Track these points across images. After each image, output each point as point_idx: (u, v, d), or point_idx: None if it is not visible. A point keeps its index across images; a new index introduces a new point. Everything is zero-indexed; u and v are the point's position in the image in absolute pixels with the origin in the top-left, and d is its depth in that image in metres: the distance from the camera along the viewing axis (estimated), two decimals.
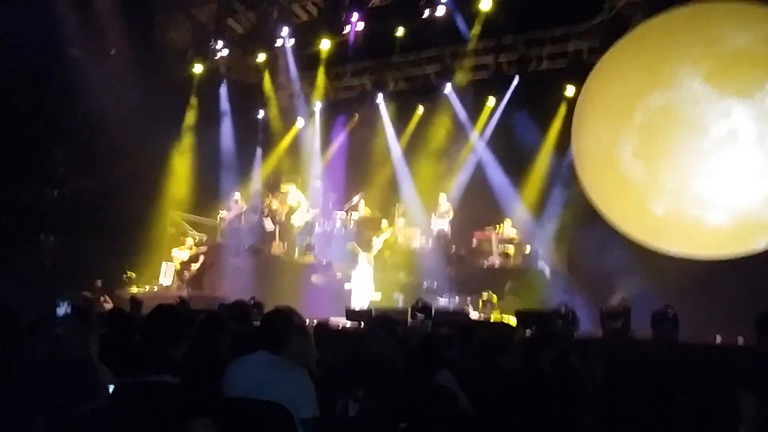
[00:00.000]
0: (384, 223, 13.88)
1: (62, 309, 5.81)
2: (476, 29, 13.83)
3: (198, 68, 14.72)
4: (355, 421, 3.59)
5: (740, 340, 7.22)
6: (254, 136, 16.30)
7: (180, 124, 14.60)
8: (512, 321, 8.94)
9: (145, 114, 12.57)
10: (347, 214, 14.63)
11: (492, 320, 9.86)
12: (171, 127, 14.22)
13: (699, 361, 5.95)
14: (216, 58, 15.11)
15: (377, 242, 13.52)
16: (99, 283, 11.89)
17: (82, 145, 12.64)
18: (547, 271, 12.07)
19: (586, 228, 11.84)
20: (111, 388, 3.63)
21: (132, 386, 3.08)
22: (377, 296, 11.93)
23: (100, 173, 12.79)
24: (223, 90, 15.51)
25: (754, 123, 10.72)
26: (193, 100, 14.86)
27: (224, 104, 15.48)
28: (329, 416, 3.45)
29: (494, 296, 10.77)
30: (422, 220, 14.23)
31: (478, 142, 14.59)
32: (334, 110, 16.57)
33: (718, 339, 7.56)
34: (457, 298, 11.56)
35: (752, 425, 2.24)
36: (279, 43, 15.11)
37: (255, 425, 3.13)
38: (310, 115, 16.36)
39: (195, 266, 13.25)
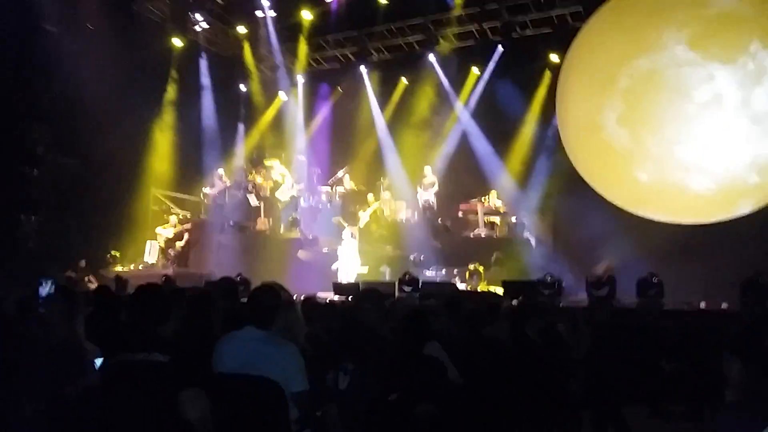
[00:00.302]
0: (370, 196, 13.85)
1: (45, 289, 5.77)
2: None
3: (177, 42, 14.45)
4: (346, 394, 3.60)
5: (724, 305, 7.33)
6: (236, 111, 16.11)
7: (160, 99, 14.36)
8: (499, 291, 9.01)
9: (125, 90, 12.33)
10: (332, 189, 14.57)
11: (479, 291, 9.91)
12: (151, 103, 13.98)
13: (684, 327, 6.02)
14: (195, 30, 14.85)
15: (364, 216, 13.50)
16: (83, 263, 11.79)
17: (62, 123, 12.40)
18: (533, 241, 12.14)
19: (570, 197, 11.90)
20: (98, 364, 3.61)
21: (121, 366, 3.06)
22: (364, 270, 11.95)
23: (80, 151, 12.57)
24: (203, 63, 15.25)
25: (737, 87, 10.73)
26: (173, 75, 14.60)
27: (205, 78, 15.23)
28: (319, 389, 3.46)
29: (481, 267, 10.83)
30: (408, 193, 14.20)
31: (462, 112, 14.52)
32: (316, 82, 16.40)
33: (703, 304, 7.67)
34: (443, 269, 11.61)
35: (738, 389, 2.26)
36: (259, 14, 14.87)
37: (246, 400, 3.12)
38: (293, 87, 16.17)
39: (180, 244, 13.18)
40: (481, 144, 13.98)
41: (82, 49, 12.15)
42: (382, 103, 15.39)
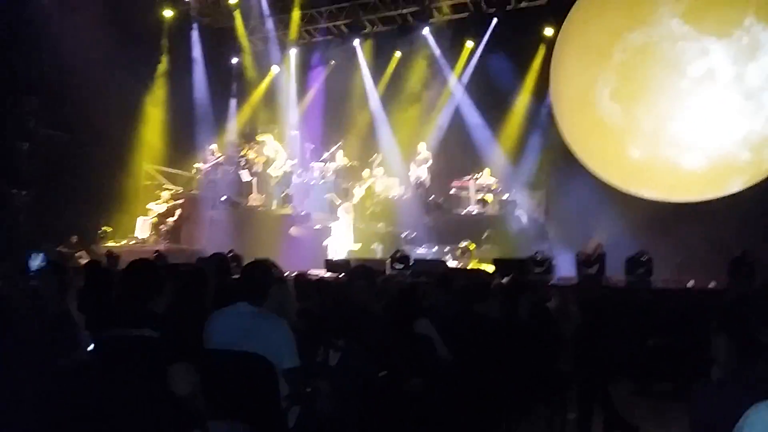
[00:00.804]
0: (366, 172, 13.80)
1: (36, 262, 5.74)
2: None
3: (168, 13, 14.23)
4: (336, 370, 3.63)
5: (712, 283, 7.36)
6: (228, 85, 15.94)
7: (151, 71, 14.17)
8: (490, 269, 9.03)
9: (116, 62, 12.16)
10: (325, 164, 14.50)
11: (470, 268, 9.94)
12: (143, 75, 13.80)
13: (672, 306, 6.06)
14: (186, 1, 14.62)
15: (359, 191, 13.45)
16: (74, 238, 11.74)
17: (52, 96, 12.25)
18: (525, 219, 12.16)
19: (563, 173, 11.90)
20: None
21: (112, 341, 3.07)
22: (356, 247, 11.95)
23: (71, 125, 12.45)
24: (195, 35, 15.04)
25: (731, 62, 10.68)
26: (165, 47, 14.41)
27: (196, 51, 15.02)
28: (310, 366, 3.48)
29: (472, 245, 10.84)
30: (401, 169, 14.14)
31: (456, 86, 14.41)
32: (309, 55, 16.21)
33: (691, 283, 7.71)
34: (435, 247, 11.62)
35: (725, 367, 2.29)
36: None
37: (237, 376, 3.15)
38: (285, 60, 15.99)
39: (172, 219, 13.09)
40: (474, 119, 13.88)
41: (72, 20, 11.94)
42: (376, 76, 15.21)
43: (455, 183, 13.37)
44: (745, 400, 1.71)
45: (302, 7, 15.08)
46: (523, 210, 12.31)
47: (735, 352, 2.24)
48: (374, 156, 14.20)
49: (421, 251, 11.38)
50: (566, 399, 4.65)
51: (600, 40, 11.73)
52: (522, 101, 13.48)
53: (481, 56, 14.15)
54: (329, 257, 10.81)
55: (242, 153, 14.49)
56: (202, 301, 3.92)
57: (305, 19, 15.56)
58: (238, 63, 16.00)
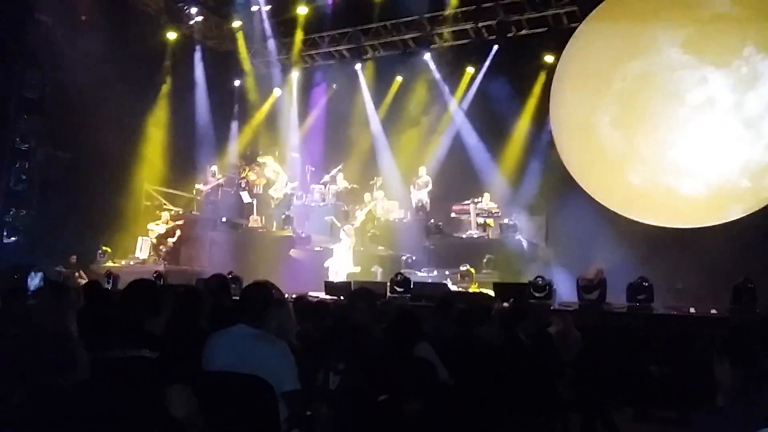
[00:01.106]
0: (367, 195, 13.82)
1: (34, 281, 5.73)
2: None
3: (171, 35, 14.37)
4: (336, 394, 3.59)
5: (713, 310, 7.34)
6: (230, 107, 16.04)
7: (154, 92, 14.27)
8: (490, 293, 9.00)
9: (118, 83, 12.25)
10: (326, 187, 14.51)
11: (471, 292, 9.90)
12: (145, 97, 13.89)
13: (674, 332, 6.03)
14: (190, 24, 14.77)
15: (360, 215, 13.45)
16: (74, 258, 11.70)
17: (53, 116, 12.33)
18: (525, 243, 12.13)
19: (563, 198, 11.91)
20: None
21: (111, 362, 3.04)
22: (356, 269, 11.91)
23: (72, 145, 12.50)
24: (198, 57, 15.16)
25: (730, 91, 10.78)
26: (167, 68, 14.53)
27: (199, 73, 15.14)
28: (310, 389, 3.45)
29: (472, 269, 10.80)
30: (401, 193, 14.15)
31: (456, 111, 14.48)
32: (311, 79, 16.34)
33: (692, 309, 7.69)
34: (435, 271, 11.58)
35: (729, 393, 2.27)
36: (254, 8, 14.81)
37: (236, 399, 3.11)
38: (287, 83, 16.10)
39: (172, 240, 13.09)
40: (474, 144, 13.93)
41: (75, 41, 12.06)
42: (377, 100, 15.31)
43: (456, 207, 13.35)
44: (750, 427, 1.69)
45: (305, 32, 15.24)
46: (524, 234, 12.29)
47: (739, 378, 2.22)
48: (374, 179, 14.22)
49: (421, 275, 11.34)
50: (568, 425, 4.60)
51: (600, 68, 11.84)
52: (522, 127, 13.53)
53: (481, 82, 14.25)
54: (329, 279, 10.77)
55: (243, 174, 14.54)
56: (197, 322, 3.89)
57: (307, 44, 15.73)
58: (240, 85, 16.13)
